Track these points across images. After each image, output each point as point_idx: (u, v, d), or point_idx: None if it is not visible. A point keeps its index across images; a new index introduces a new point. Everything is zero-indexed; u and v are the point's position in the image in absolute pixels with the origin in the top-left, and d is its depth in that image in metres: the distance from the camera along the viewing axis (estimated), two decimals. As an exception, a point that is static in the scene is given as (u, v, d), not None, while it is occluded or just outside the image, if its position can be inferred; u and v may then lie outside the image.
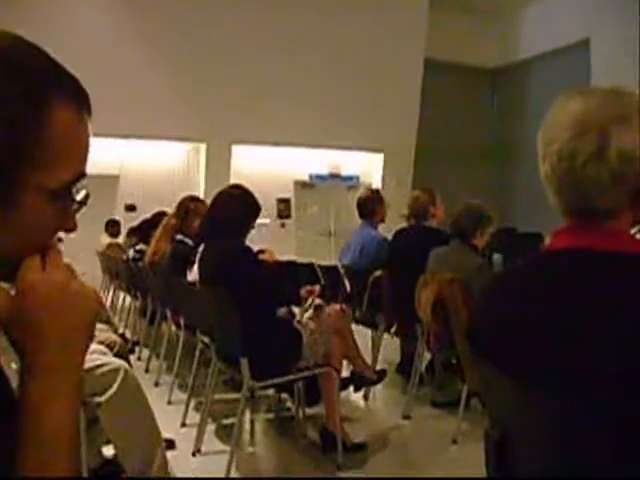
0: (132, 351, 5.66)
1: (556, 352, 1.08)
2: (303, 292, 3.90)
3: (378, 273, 4.69)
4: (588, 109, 1.14)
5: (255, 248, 3.68)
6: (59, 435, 0.74)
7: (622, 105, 1.15)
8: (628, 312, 1.03)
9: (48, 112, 0.74)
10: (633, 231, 1.24)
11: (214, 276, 3.48)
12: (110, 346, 3.38)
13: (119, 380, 2.69)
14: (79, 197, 0.82)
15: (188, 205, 5.20)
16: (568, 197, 1.17)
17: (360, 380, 4.02)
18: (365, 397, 4.56)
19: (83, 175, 0.81)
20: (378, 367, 4.71)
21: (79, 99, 0.80)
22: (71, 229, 0.83)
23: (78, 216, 0.84)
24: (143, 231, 7.62)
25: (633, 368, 0.99)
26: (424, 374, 4.69)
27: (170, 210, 5.78)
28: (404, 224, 5.13)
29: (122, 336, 5.03)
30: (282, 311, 3.80)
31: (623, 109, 1.14)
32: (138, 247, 7.25)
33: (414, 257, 4.37)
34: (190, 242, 4.99)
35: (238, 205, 3.59)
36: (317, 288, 3.93)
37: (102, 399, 2.65)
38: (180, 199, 5.37)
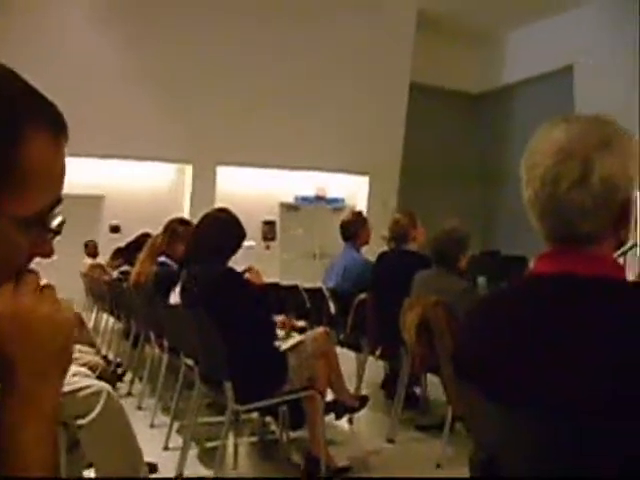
0: (120, 378, 5.56)
1: (540, 376, 1.09)
2: (279, 321, 3.90)
3: (362, 296, 4.70)
4: (571, 136, 1.16)
5: (240, 269, 3.67)
6: (29, 462, 0.74)
7: (605, 132, 1.17)
8: (610, 336, 1.05)
9: (21, 141, 0.73)
10: (615, 255, 1.26)
11: (198, 299, 3.46)
12: (93, 368, 3.36)
13: (101, 403, 2.67)
14: (54, 224, 0.81)
15: (176, 227, 5.17)
16: (551, 222, 1.19)
17: (342, 408, 3.99)
18: (350, 420, 4.54)
19: (58, 202, 0.80)
20: (363, 389, 4.71)
21: (56, 126, 0.78)
22: (47, 255, 0.82)
23: (57, 240, 0.83)
24: (128, 252, 7.60)
25: (617, 391, 1.00)
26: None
27: (155, 232, 5.76)
28: (386, 247, 5.14)
29: (105, 358, 5.00)
30: None
31: (606, 136, 1.16)
32: (122, 268, 7.22)
33: (397, 280, 4.38)
34: (174, 264, 4.97)
35: (222, 229, 3.58)
36: (293, 321, 3.94)
37: (84, 422, 2.63)
38: (168, 221, 5.35)
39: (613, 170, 1.13)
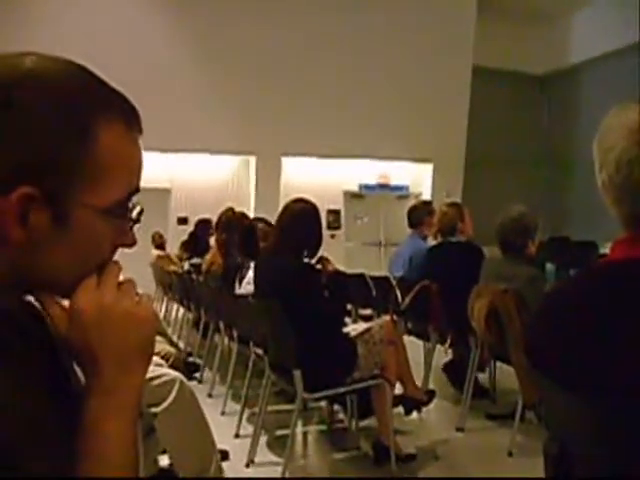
0: (196, 370, 5.66)
1: (617, 366, 1.06)
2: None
3: (422, 283, 4.62)
4: (646, 117, 1.12)
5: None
6: (111, 454, 0.75)
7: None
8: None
9: (94, 133, 0.75)
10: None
11: (272, 290, 3.47)
12: (165, 357, 3.45)
13: (175, 391, 2.73)
14: (134, 214, 0.83)
15: (231, 218, 5.28)
16: (627, 206, 1.16)
17: (411, 403, 3.95)
18: (418, 410, 4.52)
19: (137, 191, 0.82)
20: (430, 378, 4.69)
21: (128, 117, 0.80)
22: (130, 245, 0.84)
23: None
24: (194, 243, 7.74)
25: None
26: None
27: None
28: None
29: (176, 347, 5.10)
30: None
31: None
32: (193, 261, 7.34)
33: (459, 270, 4.37)
34: (238, 255, 5.04)
35: (307, 223, 3.55)
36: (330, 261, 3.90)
37: (158, 410, 2.69)
38: (220, 214, 5.45)
39: None
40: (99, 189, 0.76)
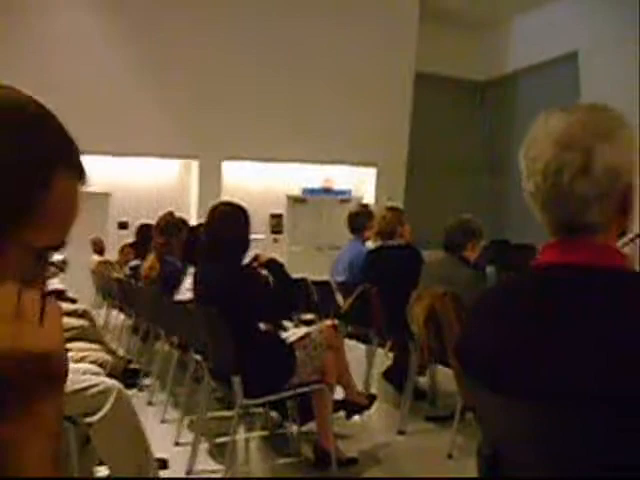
0: (137, 377, 5.53)
1: (543, 367, 1.08)
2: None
3: (361, 288, 4.64)
4: (571, 126, 1.15)
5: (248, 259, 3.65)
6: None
7: (605, 121, 1.16)
8: (613, 326, 1.04)
9: (51, 182, 0.76)
10: (620, 243, 1.25)
11: (211, 297, 3.44)
12: (102, 365, 3.38)
13: (111, 400, 2.68)
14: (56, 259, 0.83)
15: (170, 223, 5.21)
16: (554, 213, 1.18)
17: (352, 408, 3.96)
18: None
19: (63, 244, 0.81)
20: (371, 380, 4.71)
21: (80, 170, 0.81)
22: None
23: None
24: (137, 247, 7.61)
25: (622, 382, 0.99)
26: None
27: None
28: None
29: (114, 354, 5.00)
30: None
31: (606, 125, 1.15)
32: (132, 263, 7.23)
33: (399, 273, 4.41)
34: (176, 261, 4.98)
35: (233, 223, 3.53)
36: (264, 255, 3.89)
37: (94, 419, 2.64)
38: (159, 218, 5.37)
39: (615, 158, 1.12)
40: (40, 232, 0.76)
